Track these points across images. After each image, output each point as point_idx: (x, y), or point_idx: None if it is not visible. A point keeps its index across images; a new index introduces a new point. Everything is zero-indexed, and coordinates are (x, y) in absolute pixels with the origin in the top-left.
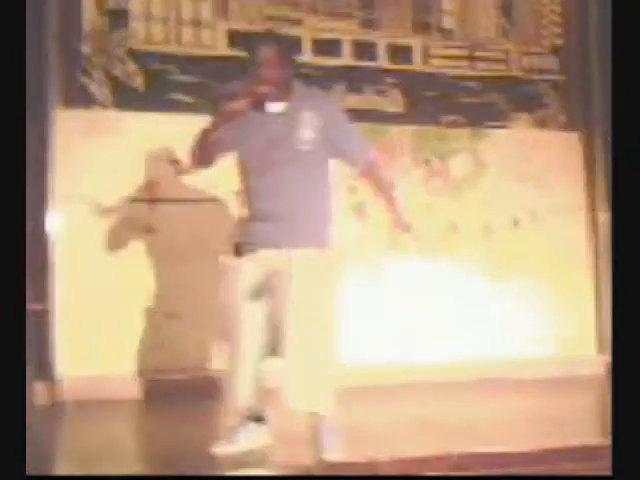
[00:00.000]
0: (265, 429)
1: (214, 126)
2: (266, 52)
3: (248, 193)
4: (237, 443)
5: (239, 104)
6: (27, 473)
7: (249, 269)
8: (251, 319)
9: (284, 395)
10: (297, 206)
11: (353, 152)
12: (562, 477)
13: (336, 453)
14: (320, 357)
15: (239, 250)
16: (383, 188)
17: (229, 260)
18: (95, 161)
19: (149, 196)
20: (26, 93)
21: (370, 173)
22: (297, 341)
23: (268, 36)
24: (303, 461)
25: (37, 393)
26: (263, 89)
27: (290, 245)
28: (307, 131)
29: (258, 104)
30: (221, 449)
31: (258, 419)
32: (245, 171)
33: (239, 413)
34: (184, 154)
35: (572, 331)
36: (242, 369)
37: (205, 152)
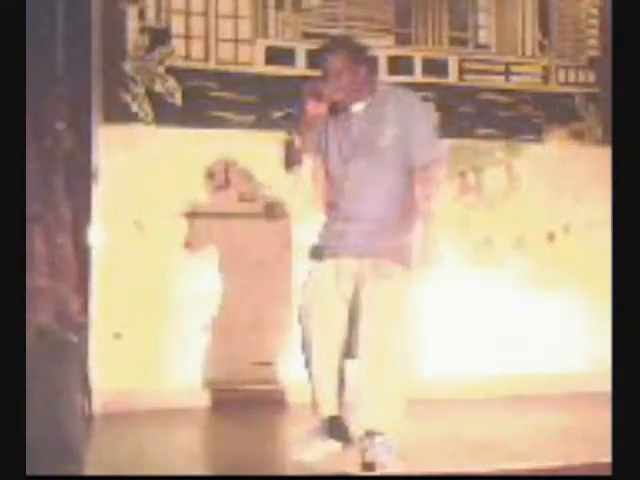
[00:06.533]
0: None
1: (299, 132)
2: (329, 62)
3: (331, 196)
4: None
5: (317, 110)
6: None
7: (329, 274)
8: (330, 326)
9: (358, 412)
10: (378, 211)
11: (413, 153)
12: (562, 477)
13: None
14: (393, 374)
15: (318, 253)
16: (421, 204)
17: (309, 263)
18: (135, 176)
19: (188, 211)
20: (70, 110)
21: (419, 181)
22: (369, 358)
23: (333, 45)
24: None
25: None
26: (336, 96)
27: (370, 254)
28: (387, 125)
29: (336, 109)
30: (299, 457)
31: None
32: (329, 174)
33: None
34: (220, 169)
35: (606, 346)
36: (321, 376)
37: (292, 157)
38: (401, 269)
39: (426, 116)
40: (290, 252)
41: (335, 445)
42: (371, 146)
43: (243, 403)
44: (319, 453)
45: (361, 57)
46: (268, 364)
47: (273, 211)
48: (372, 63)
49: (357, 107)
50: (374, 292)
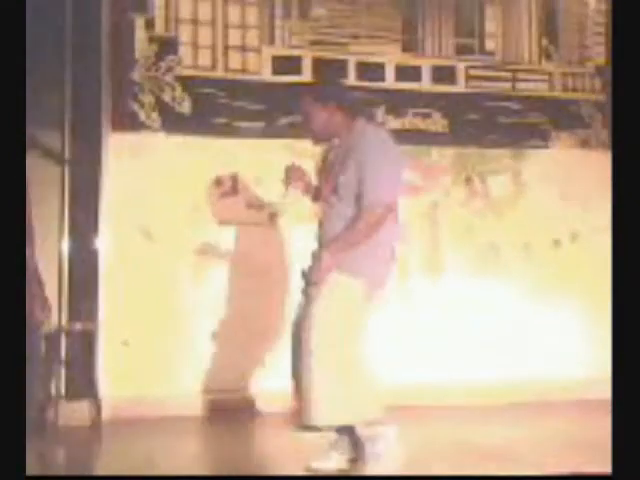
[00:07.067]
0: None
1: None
2: (302, 106)
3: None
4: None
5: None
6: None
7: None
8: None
9: (304, 410)
10: (332, 236)
11: (362, 193)
12: (562, 477)
13: (382, 465)
14: (341, 373)
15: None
16: (348, 237)
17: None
18: (144, 183)
19: (196, 218)
20: (79, 117)
21: (357, 219)
22: (315, 361)
23: (305, 89)
24: None
25: (80, 412)
26: (312, 135)
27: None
28: (346, 162)
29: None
30: (317, 465)
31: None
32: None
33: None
34: (227, 176)
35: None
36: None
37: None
38: (346, 277)
39: (387, 160)
40: (290, 260)
41: (345, 455)
42: (335, 179)
43: (249, 410)
44: (332, 461)
45: (331, 99)
46: (275, 370)
47: (278, 219)
48: (346, 103)
49: (335, 141)
50: (317, 296)
